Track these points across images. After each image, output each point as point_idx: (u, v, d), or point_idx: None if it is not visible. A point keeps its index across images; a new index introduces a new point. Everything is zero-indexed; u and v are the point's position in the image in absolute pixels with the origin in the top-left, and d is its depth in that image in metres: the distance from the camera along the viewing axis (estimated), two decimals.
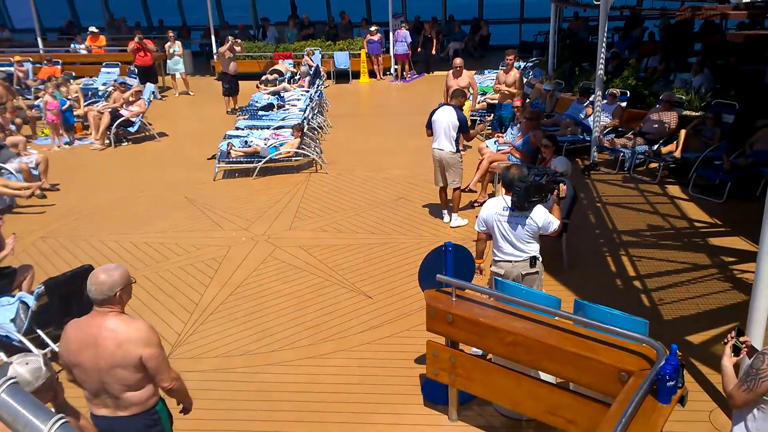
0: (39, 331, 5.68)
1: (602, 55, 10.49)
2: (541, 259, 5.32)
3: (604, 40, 10.43)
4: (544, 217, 5.16)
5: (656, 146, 10.22)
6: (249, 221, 8.97)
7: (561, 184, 5.37)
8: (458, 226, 8.48)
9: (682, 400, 3.39)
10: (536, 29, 22.72)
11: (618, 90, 11.92)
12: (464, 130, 8.36)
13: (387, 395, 5.20)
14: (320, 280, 7.21)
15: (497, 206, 5.29)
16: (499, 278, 5.12)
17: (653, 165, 10.39)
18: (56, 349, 5.50)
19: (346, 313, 6.48)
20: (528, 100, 12.49)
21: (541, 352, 4.02)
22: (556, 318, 4.22)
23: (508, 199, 5.20)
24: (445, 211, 8.74)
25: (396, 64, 19.91)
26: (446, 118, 8.26)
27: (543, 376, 4.34)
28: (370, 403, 5.12)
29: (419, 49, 20.72)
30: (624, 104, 11.75)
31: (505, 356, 4.31)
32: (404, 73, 19.81)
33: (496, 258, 5.37)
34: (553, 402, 4.05)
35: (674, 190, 9.65)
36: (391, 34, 20.03)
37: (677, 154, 9.94)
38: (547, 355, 3.99)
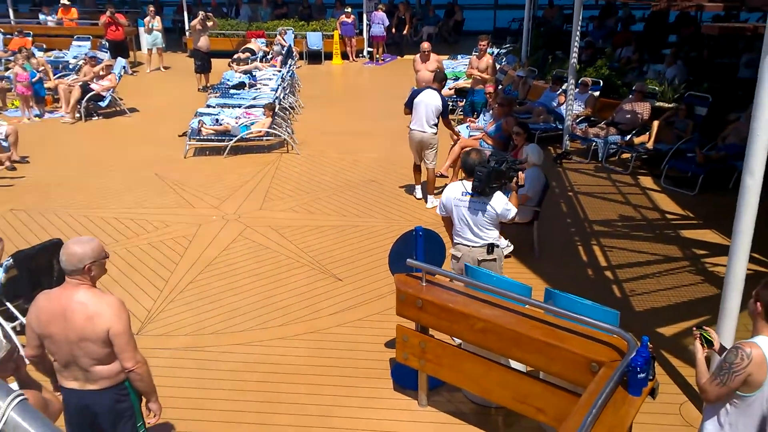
0: (8, 304, 5.61)
1: (576, 43, 10.54)
2: (502, 246, 5.34)
3: (579, 28, 10.47)
4: (503, 204, 5.16)
5: (629, 137, 10.31)
6: (219, 200, 8.87)
7: (520, 172, 5.39)
8: (434, 207, 8.52)
9: (652, 392, 3.43)
10: (511, 16, 22.75)
11: (591, 79, 12.00)
12: (445, 114, 8.51)
13: (357, 378, 5.21)
14: (291, 261, 7.17)
15: (456, 191, 5.29)
16: (467, 264, 5.14)
17: (625, 155, 10.50)
18: (24, 322, 5.43)
19: (317, 295, 6.47)
20: (500, 87, 12.54)
21: (510, 339, 4.05)
22: (527, 306, 4.25)
23: (468, 184, 5.20)
24: (418, 188, 8.94)
25: (371, 46, 19.77)
26: (429, 101, 8.37)
27: (513, 364, 4.38)
28: (340, 386, 5.12)
29: (393, 32, 20.60)
30: (597, 93, 11.85)
31: (475, 343, 4.34)
32: (377, 56, 19.69)
33: (454, 240, 5.39)
34: (523, 390, 4.10)
35: (646, 181, 9.76)
36: (365, 15, 19.88)
37: (650, 145, 10.05)
38: (516, 342, 4.03)
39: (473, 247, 5.26)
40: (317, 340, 5.73)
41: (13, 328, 5.51)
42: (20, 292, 5.64)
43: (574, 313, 3.89)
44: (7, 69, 14.71)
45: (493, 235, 5.28)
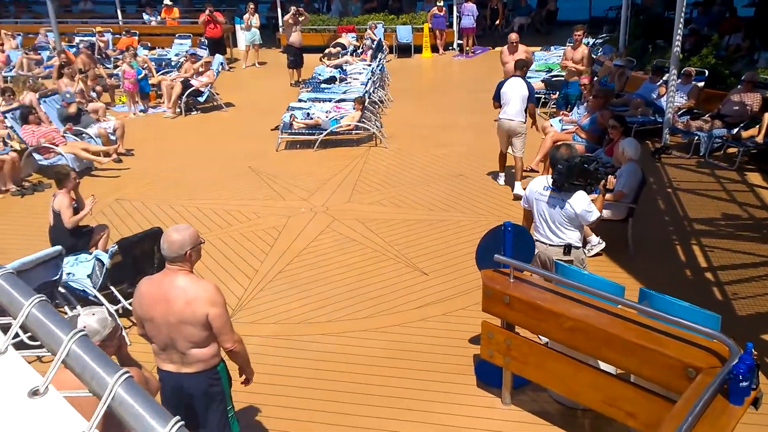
0: (112, 288, 5.94)
1: (679, 31, 10.01)
2: (593, 243, 5.14)
3: (682, 15, 9.94)
4: (583, 205, 4.94)
5: (736, 130, 9.67)
6: (309, 192, 9.03)
7: (611, 176, 5.15)
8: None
9: (755, 402, 3.20)
10: (607, 4, 21.93)
11: (695, 69, 11.38)
12: (532, 99, 8.51)
13: (440, 373, 5.17)
14: (377, 254, 7.21)
15: (539, 185, 5.15)
16: (557, 261, 5.00)
17: (732, 150, 9.86)
18: (127, 306, 5.75)
19: (402, 289, 6.47)
20: (596, 78, 12.11)
21: (601, 340, 3.90)
22: (619, 306, 4.08)
23: (550, 178, 5.05)
24: (501, 175, 9.01)
25: (461, 38, 19.58)
26: (516, 90, 8.35)
27: (602, 365, 4.22)
28: (423, 380, 5.10)
29: (487, 23, 20.32)
30: (701, 84, 11.23)
31: (563, 342, 4.20)
32: (467, 48, 19.47)
33: (534, 237, 5.23)
34: (612, 393, 3.93)
35: (755, 177, 9.13)
36: (455, 8, 19.71)
37: (759, 139, 9.37)
38: (607, 343, 3.87)
39: (549, 245, 5.10)
40: (402, 334, 5.73)
41: (116, 311, 5.82)
42: (124, 277, 5.96)
43: (670, 315, 3.70)
44: (115, 67, 15.57)
45: (572, 236, 5.08)
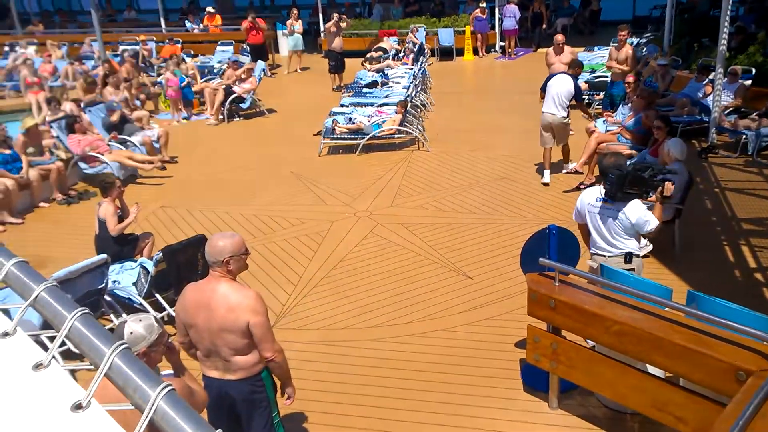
0: (157, 295, 6.02)
1: (725, 29, 9.78)
2: (641, 245, 5.03)
3: (728, 13, 9.72)
4: (639, 214, 4.80)
5: None
6: (351, 197, 9.10)
7: (668, 182, 4.97)
8: (573, 169, 9.10)
9: None
10: (651, 3, 21.52)
11: (741, 67, 11.11)
12: (578, 98, 8.67)
13: (486, 378, 5.16)
14: (420, 258, 7.22)
15: (591, 196, 5.04)
16: (602, 264, 4.93)
17: None
18: (172, 313, 5.85)
19: (446, 293, 6.46)
20: (641, 78, 11.90)
21: (649, 343, 3.84)
22: (667, 309, 4.02)
23: (603, 189, 4.94)
24: (546, 172, 9.05)
25: (503, 40, 19.46)
26: (562, 86, 8.56)
27: (650, 368, 4.16)
28: (469, 384, 5.09)
29: (529, 26, 20.17)
30: (748, 83, 10.95)
31: (611, 346, 4.15)
32: (509, 50, 19.34)
33: (591, 250, 5.14)
34: (661, 397, 3.88)
35: None
36: (497, 10, 19.60)
37: None
38: (656, 347, 3.81)
39: (608, 257, 4.97)
40: (446, 338, 5.73)
41: (162, 318, 5.92)
42: (168, 285, 6.03)
43: (720, 318, 3.63)
44: (159, 75, 15.92)
45: (630, 245, 4.95)
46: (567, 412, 4.72)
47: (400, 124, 11.05)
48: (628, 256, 4.95)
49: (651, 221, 4.85)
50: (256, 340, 3.56)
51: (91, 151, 10.00)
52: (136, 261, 6.66)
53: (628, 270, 4.91)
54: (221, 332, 3.52)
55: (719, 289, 5.53)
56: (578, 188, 8.70)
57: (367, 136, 10.95)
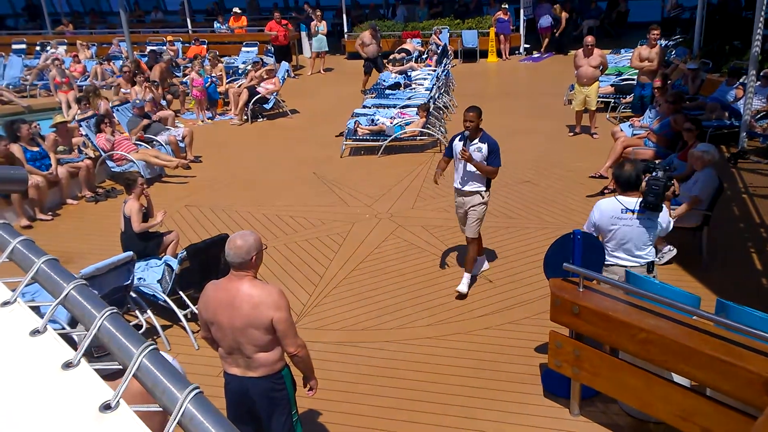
0: (181, 293, 6.06)
1: (759, 31, 9.60)
2: (664, 251, 4.96)
3: (762, 14, 9.55)
4: (667, 218, 4.77)
5: None
6: (373, 198, 9.09)
7: (675, 180, 4.98)
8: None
9: None
10: (681, 4, 21.23)
11: None
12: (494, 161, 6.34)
13: (506, 383, 5.11)
14: (441, 261, 7.18)
15: (614, 209, 4.82)
16: (627, 270, 4.85)
17: None
18: (195, 310, 5.90)
19: (466, 297, 6.42)
20: (669, 82, 11.76)
21: (676, 352, 3.78)
22: (695, 318, 3.95)
23: (625, 199, 4.79)
24: (466, 276, 6.51)
25: (538, 39, 19.46)
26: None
27: (675, 377, 4.09)
28: (489, 389, 5.05)
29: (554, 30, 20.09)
30: None
31: (636, 354, 4.09)
32: (543, 48, 19.26)
33: (607, 262, 4.93)
34: (687, 407, 3.81)
35: None
36: (521, 11, 19.49)
37: None
38: (683, 356, 3.74)
39: (633, 267, 4.85)
40: (466, 342, 5.69)
41: (185, 316, 5.97)
42: (192, 283, 6.07)
43: (750, 328, 3.55)
44: (185, 75, 16.07)
45: (652, 253, 4.90)
46: (589, 419, 4.66)
47: (423, 127, 11.02)
48: (651, 266, 4.88)
49: (671, 222, 4.85)
50: (279, 335, 3.59)
51: (118, 150, 10.13)
52: (161, 259, 6.74)
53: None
54: (246, 329, 3.54)
55: (747, 297, 5.44)
56: (602, 192, 8.61)
57: (389, 138, 10.93)
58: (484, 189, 6.31)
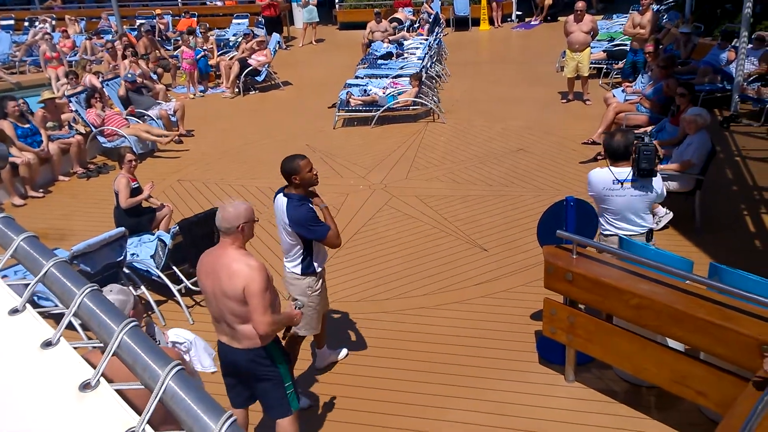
0: (174, 268, 6.03)
1: None
2: (660, 214, 4.94)
3: None
4: (660, 183, 4.71)
5: None
6: (366, 169, 9.04)
7: (655, 142, 4.96)
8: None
9: None
10: None
11: (767, 33, 10.82)
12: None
13: (501, 350, 5.14)
14: (435, 230, 7.18)
15: (605, 180, 4.74)
16: (623, 237, 4.83)
17: None
18: (189, 285, 5.90)
19: (461, 265, 6.43)
20: (661, 46, 11.66)
21: (670, 317, 3.79)
22: (688, 282, 3.95)
23: (617, 170, 4.70)
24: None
25: (536, 7, 19.26)
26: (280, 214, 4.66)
27: (670, 342, 4.11)
28: (484, 357, 5.08)
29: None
30: None
31: (630, 320, 4.10)
32: (543, 13, 19.07)
33: (605, 231, 4.88)
34: (681, 371, 3.83)
35: None
36: None
37: None
38: (676, 321, 3.76)
39: (632, 236, 4.81)
40: (462, 311, 5.71)
41: (179, 291, 5.96)
42: (185, 257, 6.03)
43: (743, 291, 3.56)
44: (176, 48, 15.87)
45: (649, 220, 4.85)
46: (584, 385, 4.69)
47: (416, 96, 10.93)
48: (650, 233, 4.85)
49: (664, 186, 4.83)
50: (250, 309, 3.47)
51: (109, 125, 10.03)
52: (153, 234, 6.72)
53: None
54: (223, 298, 3.52)
55: (741, 260, 5.44)
56: (595, 159, 8.59)
57: (382, 108, 10.85)
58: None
